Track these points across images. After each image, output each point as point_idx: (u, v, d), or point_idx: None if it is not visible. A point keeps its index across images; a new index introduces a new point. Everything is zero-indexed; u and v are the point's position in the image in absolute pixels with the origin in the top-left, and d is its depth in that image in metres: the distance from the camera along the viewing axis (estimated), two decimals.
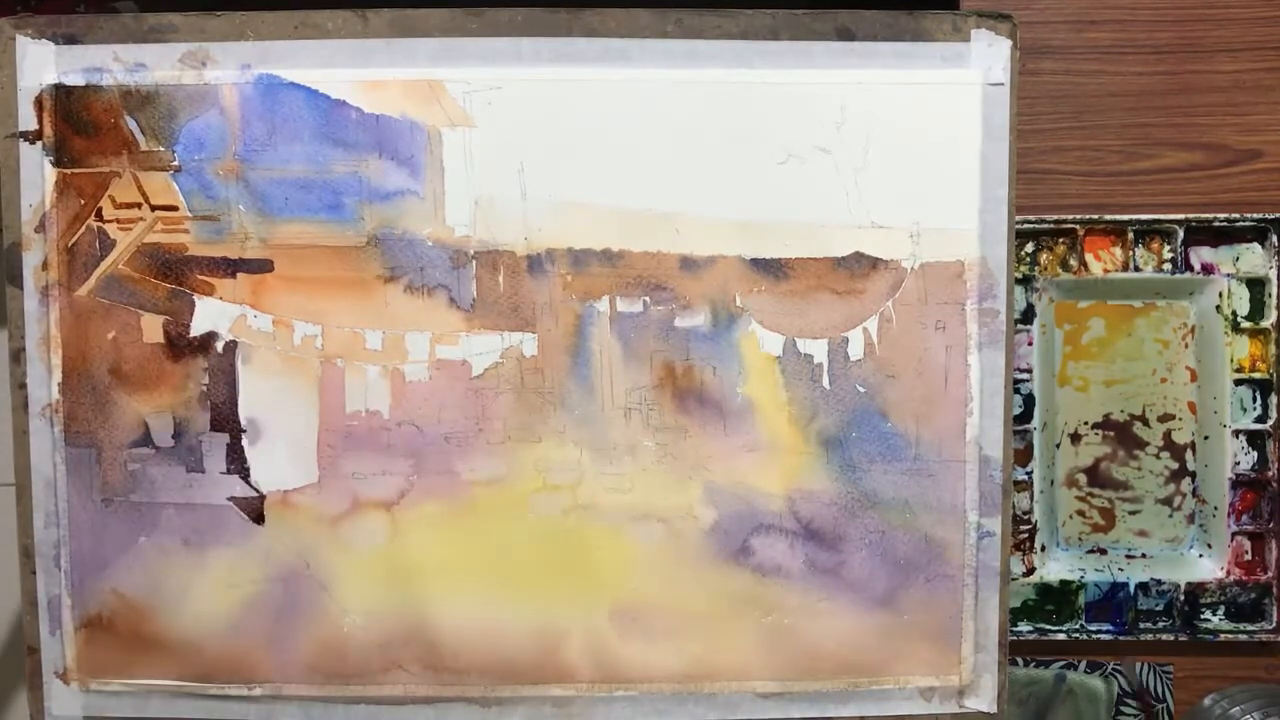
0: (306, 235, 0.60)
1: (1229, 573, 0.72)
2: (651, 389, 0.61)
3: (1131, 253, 0.72)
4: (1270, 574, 0.72)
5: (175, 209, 0.60)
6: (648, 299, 0.61)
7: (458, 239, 0.60)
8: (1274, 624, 0.72)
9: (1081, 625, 0.73)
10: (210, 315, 0.60)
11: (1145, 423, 0.73)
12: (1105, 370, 0.73)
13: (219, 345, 0.61)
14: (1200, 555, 0.73)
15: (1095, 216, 0.71)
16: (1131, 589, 0.73)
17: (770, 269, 0.61)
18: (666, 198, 0.60)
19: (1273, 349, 0.72)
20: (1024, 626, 0.73)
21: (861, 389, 0.61)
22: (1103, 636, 0.73)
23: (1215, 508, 0.73)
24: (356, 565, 0.61)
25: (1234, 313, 0.72)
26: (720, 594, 0.62)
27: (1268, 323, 0.71)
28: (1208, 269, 0.72)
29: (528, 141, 0.60)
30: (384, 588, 0.62)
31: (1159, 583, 0.73)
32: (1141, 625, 0.73)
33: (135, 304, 0.60)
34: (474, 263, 0.60)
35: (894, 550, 0.62)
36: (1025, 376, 0.72)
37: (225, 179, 0.60)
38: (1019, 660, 0.73)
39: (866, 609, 0.62)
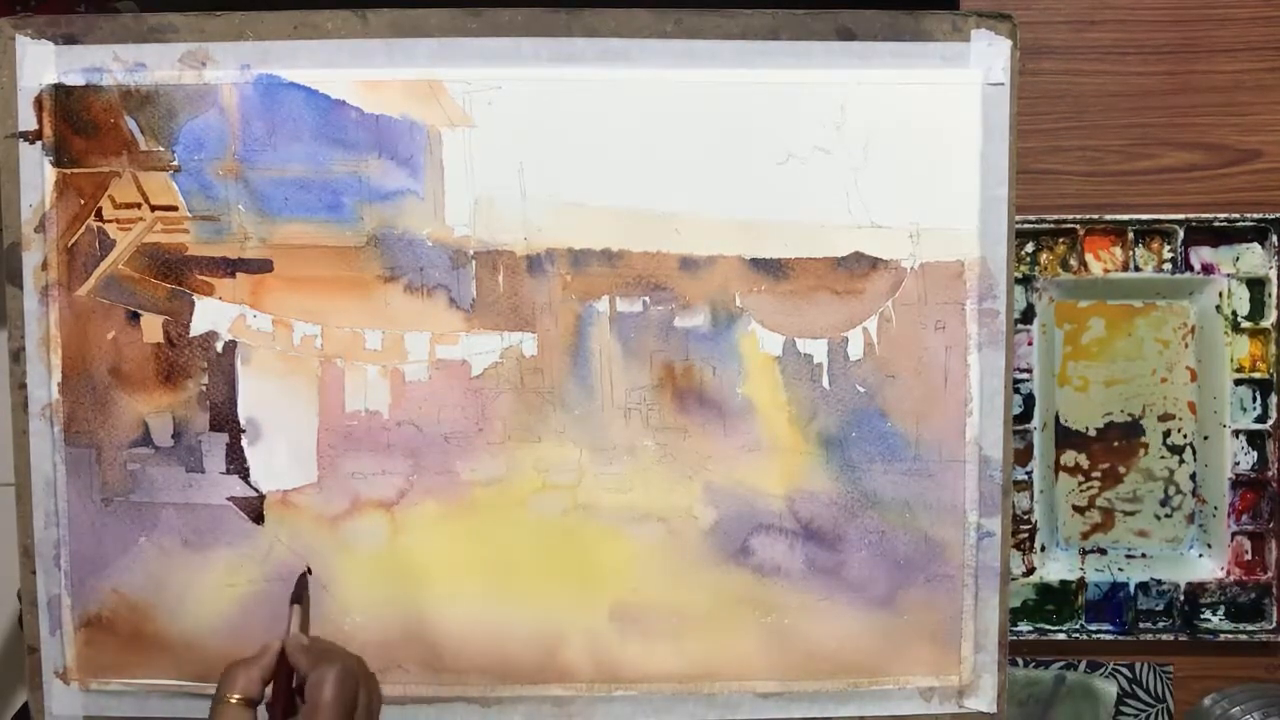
0: (306, 235, 0.60)
1: (1229, 573, 0.72)
2: (651, 389, 0.61)
3: (1131, 253, 0.72)
4: (1270, 574, 0.72)
5: (175, 209, 0.60)
6: (647, 299, 0.61)
7: (457, 239, 0.60)
8: (1274, 624, 0.72)
9: (1081, 625, 0.73)
10: (210, 315, 0.60)
11: (1145, 423, 0.73)
12: (1105, 370, 0.73)
13: (218, 345, 0.61)
14: (1200, 555, 0.73)
15: (1095, 216, 0.71)
16: (1131, 589, 0.73)
17: (770, 269, 0.61)
18: (666, 198, 0.60)
19: (1273, 349, 0.72)
20: (1024, 626, 0.73)
21: (861, 389, 0.61)
22: (1103, 636, 0.73)
23: (1215, 508, 0.73)
24: (356, 565, 0.61)
25: (1234, 313, 0.72)
26: (720, 594, 0.62)
27: (1268, 323, 0.71)
28: (1208, 269, 0.72)
29: (528, 141, 0.60)
30: (384, 588, 0.62)
31: (1159, 583, 0.73)
32: (1141, 625, 0.73)
33: (135, 304, 0.60)
34: (474, 263, 0.60)
35: (894, 550, 0.62)
36: (1025, 376, 0.72)
37: (225, 179, 0.60)
38: (1019, 660, 0.73)
39: (866, 609, 0.62)
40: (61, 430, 0.61)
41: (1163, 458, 0.73)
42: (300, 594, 0.59)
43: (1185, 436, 0.73)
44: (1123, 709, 0.74)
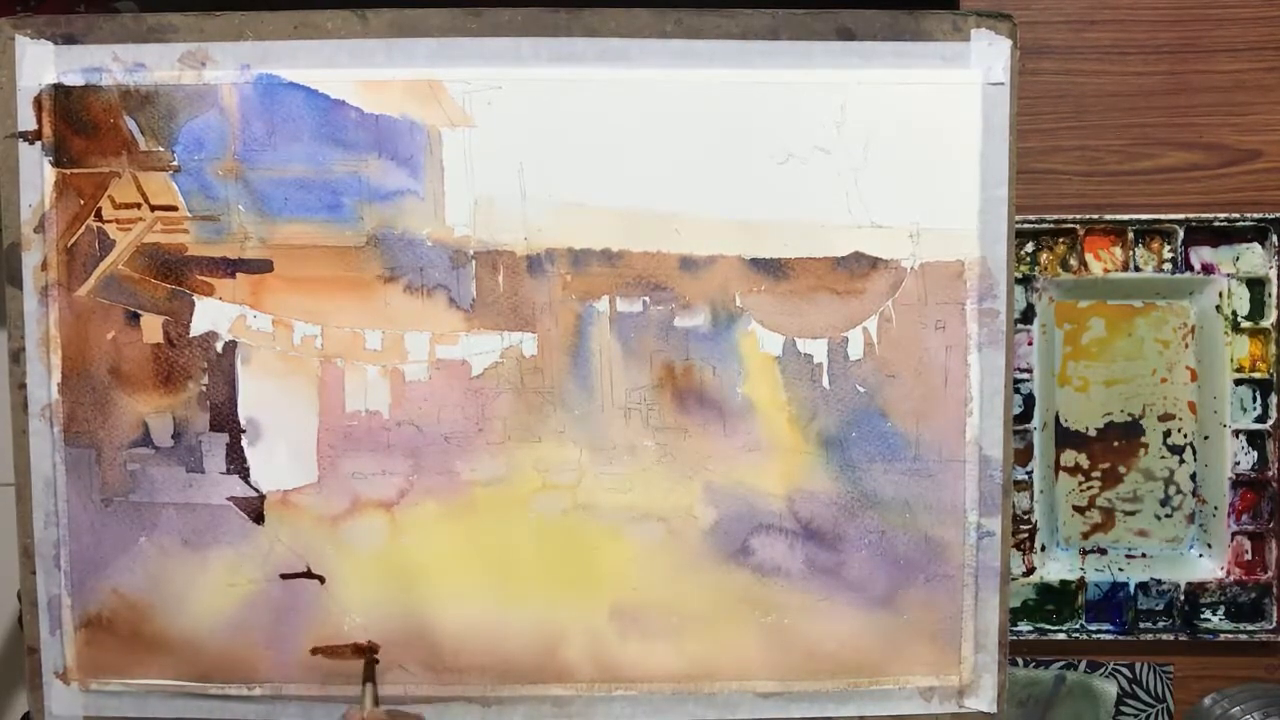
0: (306, 235, 0.60)
1: (1229, 573, 0.73)
2: (651, 389, 0.61)
3: (1131, 253, 0.72)
4: (1270, 574, 0.72)
5: (175, 209, 0.60)
6: (647, 299, 0.61)
7: (457, 239, 0.60)
8: (1274, 624, 0.72)
9: (1081, 625, 0.73)
10: (210, 315, 0.60)
11: (1145, 423, 0.73)
12: (1105, 370, 0.73)
13: (219, 345, 0.61)
14: (1200, 555, 0.73)
15: (1095, 216, 0.71)
16: (1131, 589, 0.73)
17: (770, 269, 0.61)
18: (666, 198, 0.60)
19: (1273, 349, 0.72)
20: (1024, 626, 0.73)
21: (861, 389, 0.61)
22: (1103, 636, 0.73)
23: (1215, 508, 0.73)
24: (357, 565, 0.61)
25: (1234, 312, 0.72)
26: (720, 594, 0.62)
27: (1268, 322, 0.71)
28: (1208, 269, 0.72)
29: (528, 141, 0.60)
30: (384, 587, 0.62)
31: (1159, 583, 0.73)
32: (1141, 625, 0.73)
33: (135, 304, 0.60)
34: (474, 263, 0.60)
35: (894, 550, 0.62)
36: (1025, 376, 0.72)
37: (225, 179, 0.60)
38: (1019, 660, 0.73)
39: (866, 609, 0.62)
40: (61, 430, 0.61)
41: (1163, 458, 0.73)
42: (370, 673, 0.60)
43: (1185, 436, 0.73)
44: (1123, 709, 0.74)
